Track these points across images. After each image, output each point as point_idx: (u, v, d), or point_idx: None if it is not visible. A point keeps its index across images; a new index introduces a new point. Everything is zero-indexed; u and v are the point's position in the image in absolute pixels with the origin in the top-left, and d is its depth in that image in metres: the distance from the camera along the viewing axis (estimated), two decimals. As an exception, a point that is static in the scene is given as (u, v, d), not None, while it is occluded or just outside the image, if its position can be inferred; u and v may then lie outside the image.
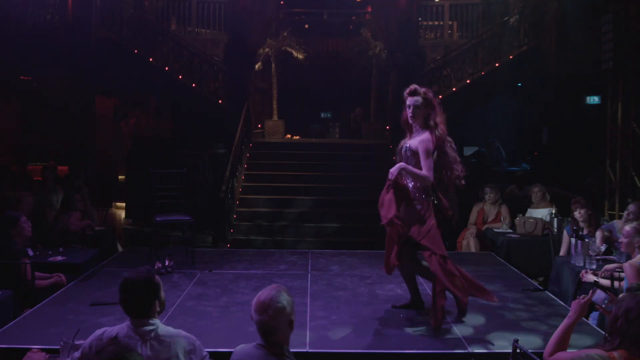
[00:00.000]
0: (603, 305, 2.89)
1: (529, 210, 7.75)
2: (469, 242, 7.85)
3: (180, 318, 4.59)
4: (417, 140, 4.52)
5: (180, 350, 2.63)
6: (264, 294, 2.51)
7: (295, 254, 7.07)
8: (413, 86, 4.66)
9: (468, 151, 15.05)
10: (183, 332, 2.74)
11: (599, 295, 3.00)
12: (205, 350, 2.78)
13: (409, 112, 4.62)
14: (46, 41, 10.48)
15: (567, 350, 2.82)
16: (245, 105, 10.76)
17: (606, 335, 2.64)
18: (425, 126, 4.55)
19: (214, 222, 8.70)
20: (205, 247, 7.31)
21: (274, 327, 2.46)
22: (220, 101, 11.37)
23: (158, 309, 2.73)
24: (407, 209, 4.50)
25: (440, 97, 11.27)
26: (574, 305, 2.95)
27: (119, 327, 2.69)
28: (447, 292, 4.45)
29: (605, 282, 4.87)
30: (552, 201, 7.78)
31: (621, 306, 2.60)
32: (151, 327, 2.65)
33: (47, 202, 8.39)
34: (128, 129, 15.09)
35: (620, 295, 2.69)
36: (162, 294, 2.78)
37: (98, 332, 2.72)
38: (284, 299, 2.50)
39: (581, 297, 2.99)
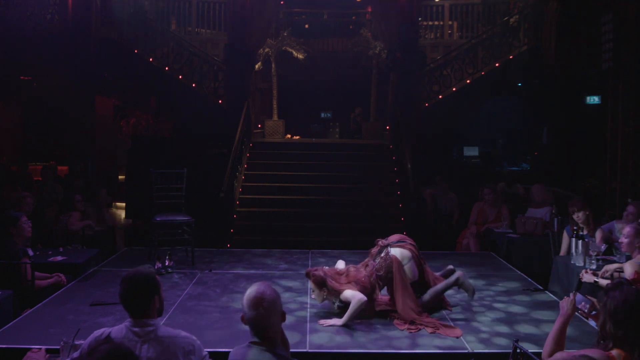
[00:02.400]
0: (585, 310, 2.90)
1: (529, 210, 7.75)
2: (469, 242, 7.86)
3: (180, 318, 4.60)
4: None
5: (180, 351, 2.61)
6: (252, 290, 2.55)
7: (295, 254, 7.07)
8: (307, 269, 4.78)
9: (468, 151, 15.06)
10: (182, 333, 2.73)
11: (577, 298, 3.01)
12: (205, 350, 2.78)
13: None
14: (46, 41, 10.48)
15: (566, 351, 2.82)
16: (245, 105, 10.76)
17: (599, 339, 2.62)
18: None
19: (214, 222, 8.69)
20: (205, 247, 7.30)
21: (268, 321, 2.49)
22: (220, 101, 11.36)
23: (157, 305, 2.71)
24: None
25: (440, 97, 11.33)
26: (562, 304, 2.97)
27: (118, 328, 2.67)
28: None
29: (605, 283, 4.86)
30: (551, 201, 7.79)
31: (606, 309, 2.58)
32: (150, 328, 2.63)
33: (47, 202, 8.41)
34: (128, 129, 15.12)
35: (604, 297, 2.68)
36: (162, 294, 2.77)
37: (97, 332, 2.70)
38: (273, 292, 2.55)
39: (566, 296, 3.01)
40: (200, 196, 8.55)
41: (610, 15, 8.03)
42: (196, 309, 4.84)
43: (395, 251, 4.72)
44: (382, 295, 4.99)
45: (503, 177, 10.57)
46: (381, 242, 4.86)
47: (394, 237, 4.92)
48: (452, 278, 4.83)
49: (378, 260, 4.74)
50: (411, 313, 4.52)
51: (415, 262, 4.73)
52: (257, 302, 2.49)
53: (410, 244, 4.81)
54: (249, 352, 2.48)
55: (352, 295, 4.47)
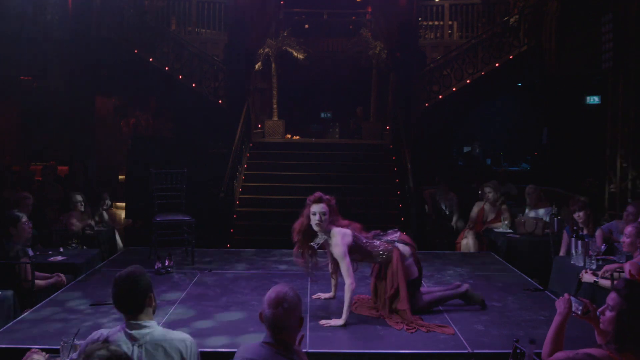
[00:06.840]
0: (578, 312, 2.91)
1: (529, 210, 7.74)
2: (468, 241, 7.85)
3: (181, 318, 4.60)
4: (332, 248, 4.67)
5: (176, 354, 2.57)
6: (276, 289, 2.55)
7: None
8: (318, 194, 4.83)
9: (468, 151, 15.06)
10: (180, 335, 2.68)
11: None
12: (206, 349, 2.77)
13: (314, 220, 4.75)
14: (46, 41, 10.48)
15: (566, 350, 2.82)
16: (245, 105, 10.77)
17: (611, 339, 2.61)
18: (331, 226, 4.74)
19: (214, 222, 8.69)
20: (205, 247, 7.30)
21: (285, 322, 2.48)
22: (220, 101, 11.37)
23: (151, 306, 2.67)
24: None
25: (440, 97, 11.34)
26: (558, 303, 2.97)
27: (114, 331, 2.63)
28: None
29: (605, 283, 4.86)
30: (549, 201, 7.79)
31: (615, 310, 2.58)
32: (147, 331, 2.59)
33: (47, 202, 8.41)
34: (128, 129, 15.10)
35: (611, 297, 2.67)
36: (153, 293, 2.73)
37: (93, 334, 2.65)
38: (296, 295, 2.57)
39: (561, 296, 3.01)
40: (200, 196, 8.56)
41: (610, 15, 8.03)
42: (196, 309, 4.84)
43: (399, 245, 4.73)
44: (362, 295, 5.12)
45: (501, 177, 10.56)
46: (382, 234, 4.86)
47: (393, 233, 4.91)
48: (461, 289, 4.86)
49: (380, 242, 4.73)
50: (408, 314, 4.52)
51: (415, 260, 4.75)
52: (279, 301, 2.49)
53: (411, 244, 4.83)
54: (261, 352, 2.46)
55: (346, 266, 4.46)
